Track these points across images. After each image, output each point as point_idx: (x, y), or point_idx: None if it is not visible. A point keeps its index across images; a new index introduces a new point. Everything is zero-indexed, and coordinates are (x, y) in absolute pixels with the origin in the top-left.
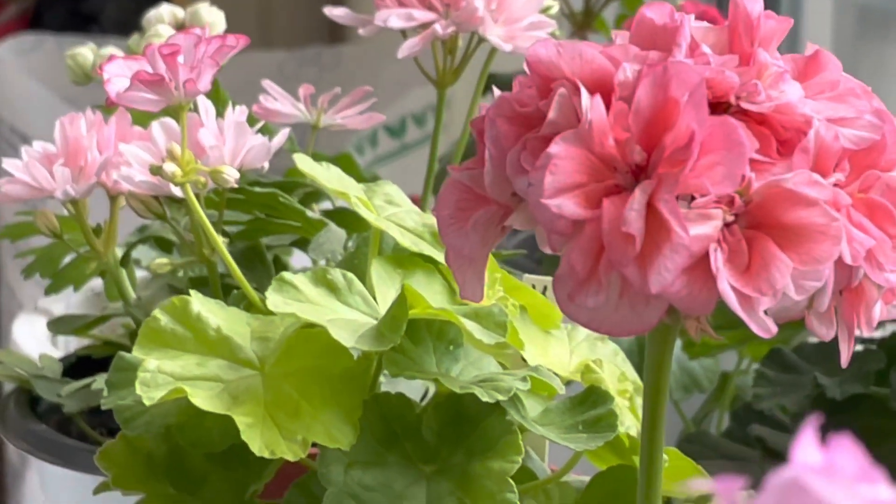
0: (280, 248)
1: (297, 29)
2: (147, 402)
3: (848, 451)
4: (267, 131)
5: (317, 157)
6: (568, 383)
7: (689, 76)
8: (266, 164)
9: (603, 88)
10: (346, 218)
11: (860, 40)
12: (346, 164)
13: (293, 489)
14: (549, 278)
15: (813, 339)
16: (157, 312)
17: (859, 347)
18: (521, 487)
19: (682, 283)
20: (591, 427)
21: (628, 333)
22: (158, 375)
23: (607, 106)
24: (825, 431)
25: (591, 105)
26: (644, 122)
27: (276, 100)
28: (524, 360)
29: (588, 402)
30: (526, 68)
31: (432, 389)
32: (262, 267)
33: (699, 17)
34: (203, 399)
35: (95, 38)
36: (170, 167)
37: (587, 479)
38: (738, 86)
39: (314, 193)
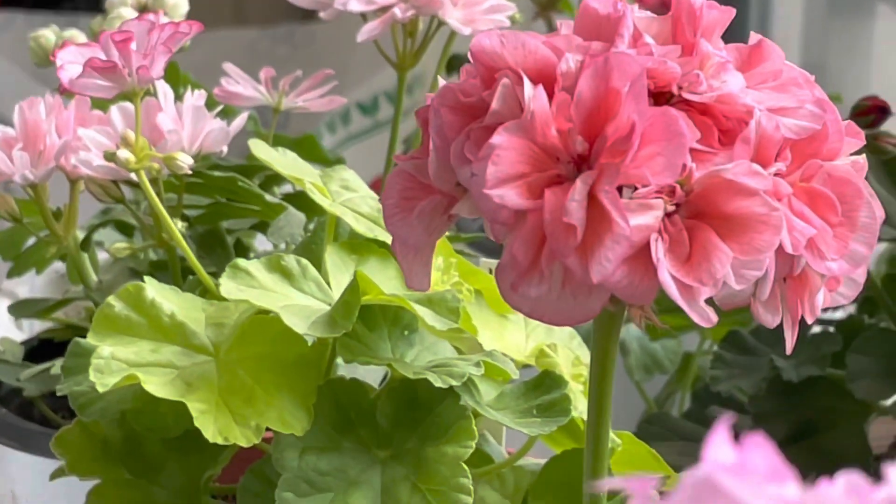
0: (242, 231)
1: (270, 6)
2: (101, 389)
3: (760, 450)
4: (230, 112)
5: (278, 140)
6: (524, 367)
7: (629, 67)
8: (225, 148)
9: (546, 79)
10: (305, 202)
11: (831, 18)
12: (309, 145)
13: (248, 474)
14: None
15: None
16: (111, 299)
17: (816, 329)
18: (476, 472)
19: (623, 272)
20: (545, 411)
21: (571, 322)
22: (112, 362)
23: (550, 96)
24: (781, 414)
25: (533, 95)
26: (586, 113)
27: (238, 83)
28: (480, 344)
29: (542, 387)
30: (470, 58)
31: None
32: (222, 250)
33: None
34: (156, 386)
35: (67, 16)
36: (123, 154)
37: (543, 461)
38: (679, 76)
39: (275, 176)
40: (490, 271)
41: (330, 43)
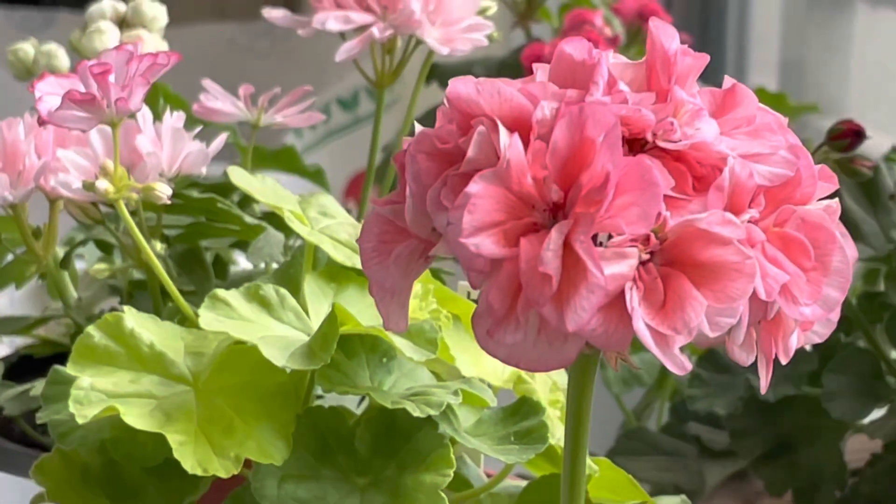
0: (221, 247)
1: (250, 1)
2: (80, 421)
3: None
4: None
5: (258, 153)
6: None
7: (604, 117)
8: (204, 170)
9: (521, 126)
10: (284, 221)
11: (810, 13)
12: (288, 157)
13: (228, 501)
14: None
15: None
16: (91, 329)
17: None
18: (454, 497)
19: (598, 321)
20: (523, 438)
21: (547, 368)
22: (91, 393)
23: (525, 144)
24: (758, 431)
25: (509, 143)
26: (561, 162)
27: (217, 98)
28: (458, 369)
29: (520, 414)
30: (446, 103)
31: None
32: (201, 270)
33: (639, 10)
34: (135, 417)
35: (47, 12)
36: (102, 184)
37: (522, 483)
38: (654, 124)
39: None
40: (468, 295)
41: (309, 38)
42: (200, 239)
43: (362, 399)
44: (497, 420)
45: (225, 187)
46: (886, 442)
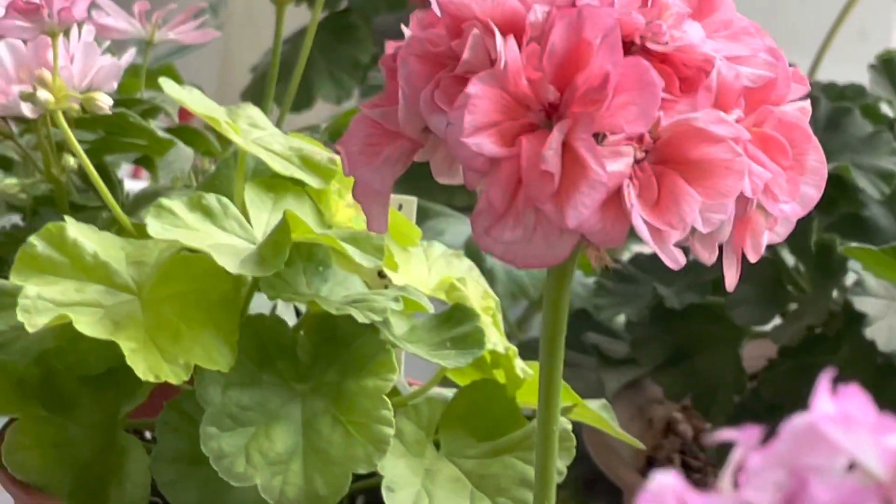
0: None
1: None
2: (30, 329)
3: (862, 402)
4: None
5: (139, 71)
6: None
7: (602, 20)
8: (115, 84)
9: (514, 29)
10: (191, 136)
11: None
12: (169, 75)
13: (167, 409)
14: (406, 197)
15: (647, 250)
16: (32, 239)
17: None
18: (392, 401)
19: (597, 217)
20: (459, 344)
21: (541, 265)
22: (39, 301)
23: (519, 46)
24: (659, 339)
25: (505, 46)
26: (557, 63)
27: (110, 15)
28: (380, 276)
29: (454, 320)
30: (436, 8)
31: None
32: (109, 185)
33: None
34: (86, 325)
35: None
36: (43, 94)
37: (446, 391)
38: (643, 26)
39: (151, 109)
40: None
41: None
42: (106, 154)
43: (273, 308)
44: (430, 327)
45: (129, 102)
46: (781, 347)
